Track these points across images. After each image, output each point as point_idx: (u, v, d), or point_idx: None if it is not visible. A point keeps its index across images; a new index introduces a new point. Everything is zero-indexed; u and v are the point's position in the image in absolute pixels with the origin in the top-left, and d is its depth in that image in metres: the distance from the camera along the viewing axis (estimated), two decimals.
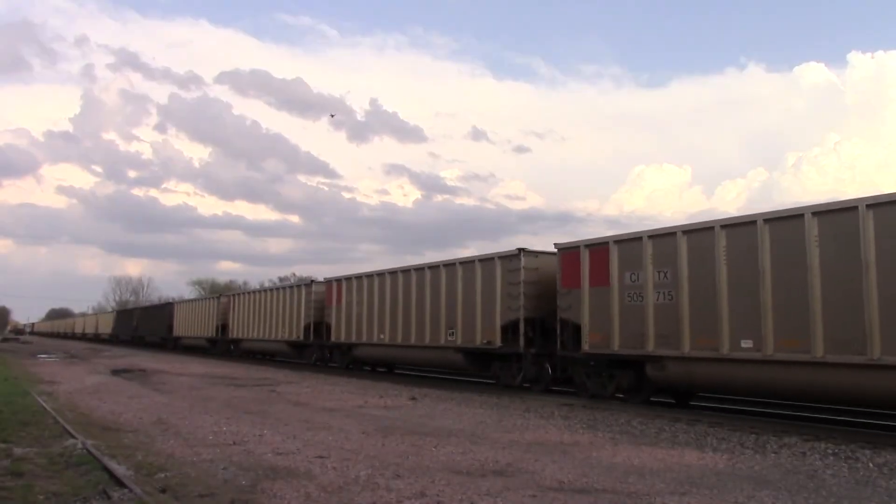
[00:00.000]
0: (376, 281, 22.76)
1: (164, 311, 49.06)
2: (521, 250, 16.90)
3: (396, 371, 24.75)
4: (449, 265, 19.45)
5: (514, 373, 17.14)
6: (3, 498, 6.10)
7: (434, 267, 20.04)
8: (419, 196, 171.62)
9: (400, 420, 11.71)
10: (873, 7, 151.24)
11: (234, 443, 9.12)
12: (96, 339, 73.96)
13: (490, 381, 18.71)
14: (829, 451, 8.87)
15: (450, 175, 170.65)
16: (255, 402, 14.37)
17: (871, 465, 8.10)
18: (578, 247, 15.22)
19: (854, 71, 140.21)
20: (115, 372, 23.58)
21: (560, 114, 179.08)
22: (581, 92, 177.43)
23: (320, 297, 26.65)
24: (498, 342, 17.15)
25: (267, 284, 74.39)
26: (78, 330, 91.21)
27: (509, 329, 16.84)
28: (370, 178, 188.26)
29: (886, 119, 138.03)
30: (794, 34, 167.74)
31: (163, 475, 7.05)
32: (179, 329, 44.11)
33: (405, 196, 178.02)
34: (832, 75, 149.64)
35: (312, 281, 28.13)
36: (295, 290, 28.86)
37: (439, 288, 19.54)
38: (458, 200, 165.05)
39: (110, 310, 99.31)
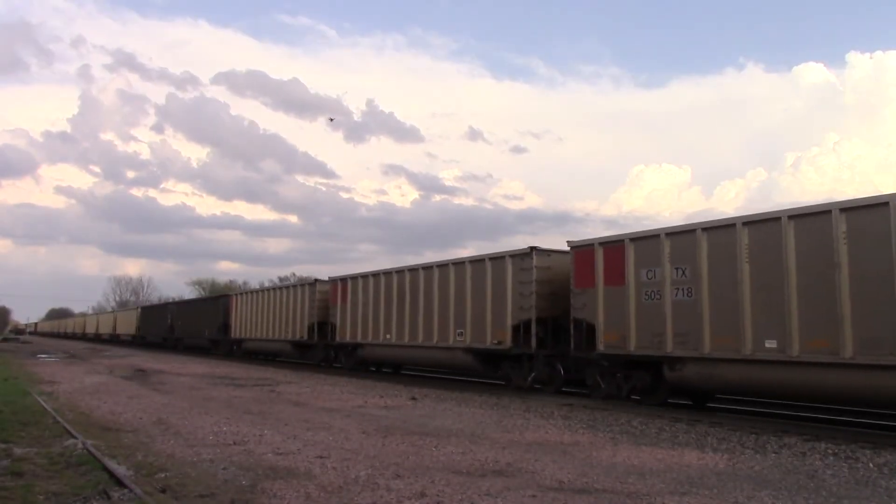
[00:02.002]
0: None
1: (216, 305, 39.05)
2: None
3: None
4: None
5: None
6: (3, 498, 6.10)
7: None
8: (417, 196, 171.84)
9: (400, 420, 11.71)
10: (872, 7, 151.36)
11: (234, 443, 9.12)
12: (114, 341, 64.59)
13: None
14: (829, 451, 8.87)
15: (448, 175, 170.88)
16: (256, 402, 14.37)
17: (871, 465, 8.10)
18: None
19: (853, 71, 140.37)
20: (115, 372, 23.58)
21: (559, 114, 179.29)
22: (580, 92, 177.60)
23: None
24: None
25: (267, 284, 74.29)
26: (89, 330, 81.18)
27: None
28: (368, 178, 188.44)
29: (885, 119, 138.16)
30: (792, 34, 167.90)
31: (163, 475, 7.05)
32: (242, 329, 34.58)
33: (403, 196, 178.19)
34: (831, 75, 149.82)
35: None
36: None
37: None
38: (457, 200, 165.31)
39: (110, 308, 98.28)
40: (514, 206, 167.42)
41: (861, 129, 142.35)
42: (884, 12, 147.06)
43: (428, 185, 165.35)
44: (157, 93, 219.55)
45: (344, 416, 12.18)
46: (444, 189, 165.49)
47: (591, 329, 14.73)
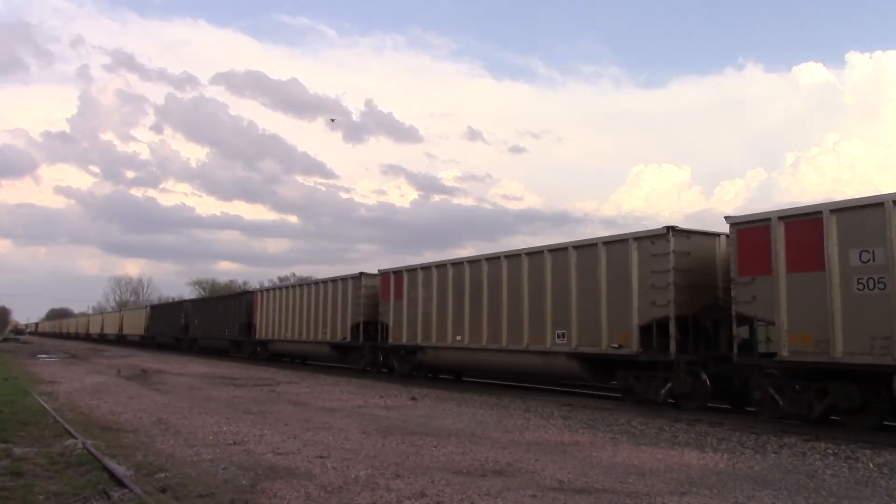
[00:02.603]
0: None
1: (238, 303, 35.47)
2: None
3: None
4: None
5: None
6: (3, 498, 6.10)
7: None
8: (416, 196, 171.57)
9: (400, 420, 11.71)
10: (872, 7, 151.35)
11: (234, 443, 9.13)
12: (120, 342, 61.19)
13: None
14: (829, 451, 8.87)
15: (447, 175, 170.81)
16: (255, 402, 14.37)
17: (871, 465, 8.10)
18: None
19: (852, 71, 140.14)
20: (115, 372, 23.58)
21: (559, 114, 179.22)
22: (580, 92, 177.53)
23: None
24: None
25: (267, 284, 74.05)
26: (94, 330, 76.20)
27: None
28: (367, 178, 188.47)
29: (885, 119, 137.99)
30: (792, 34, 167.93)
31: (163, 475, 7.05)
32: (268, 329, 31.33)
33: (402, 196, 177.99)
34: (831, 75, 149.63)
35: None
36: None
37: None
38: (456, 200, 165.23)
39: (111, 308, 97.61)
40: (514, 206, 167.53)
41: (861, 129, 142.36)
42: (883, 12, 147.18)
43: (427, 185, 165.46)
44: (157, 93, 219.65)
45: (344, 416, 12.18)
46: (443, 189, 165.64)
47: (765, 328, 12.33)
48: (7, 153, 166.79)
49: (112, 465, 7.36)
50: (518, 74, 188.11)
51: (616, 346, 14.12)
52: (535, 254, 16.45)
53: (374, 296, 23.23)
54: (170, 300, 69.38)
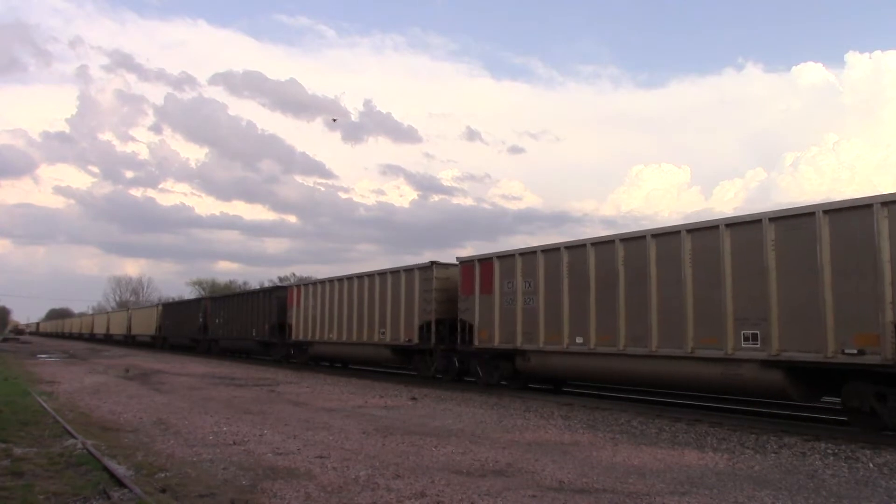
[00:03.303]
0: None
1: (268, 300, 31.14)
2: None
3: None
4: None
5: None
6: (3, 498, 6.10)
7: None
8: (416, 196, 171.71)
9: (400, 420, 11.71)
10: (871, 7, 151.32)
11: (234, 443, 9.13)
12: (128, 342, 57.57)
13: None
14: (829, 451, 8.87)
15: (446, 175, 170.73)
16: (255, 402, 14.37)
17: (871, 465, 8.10)
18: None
19: (852, 71, 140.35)
20: (115, 372, 23.58)
21: (558, 114, 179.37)
22: (579, 92, 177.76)
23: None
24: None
25: (267, 284, 73.63)
26: (98, 330, 71.95)
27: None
28: (366, 178, 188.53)
29: (884, 119, 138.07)
30: (791, 34, 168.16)
31: (163, 475, 7.06)
32: (307, 329, 27.13)
33: (402, 196, 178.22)
34: (830, 75, 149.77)
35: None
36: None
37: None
38: (455, 201, 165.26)
39: (111, 308, 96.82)
40: (513, 206, 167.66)
41: (860, 129, 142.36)
42: (882, 12, 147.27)
43: (426, 185, 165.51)
44: (156, 93, 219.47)
45: (344, 415, 12.18)
46: (442, 189, 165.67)
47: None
48: (6, 153, 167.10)
49: (112, 465, 7.36)
50: (517, 74, 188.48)
51: (853, 351, 10.03)
52: (702, 230, 12.51)
53: (448, 289, 19.63)
54: (170, 300, 68.02)
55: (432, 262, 20.27)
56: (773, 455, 8.72)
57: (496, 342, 17.09)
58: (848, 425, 10.76)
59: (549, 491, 6.56)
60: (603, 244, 14.51)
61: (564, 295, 15.11)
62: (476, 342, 17.83)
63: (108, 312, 79.14)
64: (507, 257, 17.12)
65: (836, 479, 7.28)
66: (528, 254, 16.41)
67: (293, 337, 28.02)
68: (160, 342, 47.99)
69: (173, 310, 47.77)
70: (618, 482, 6.96)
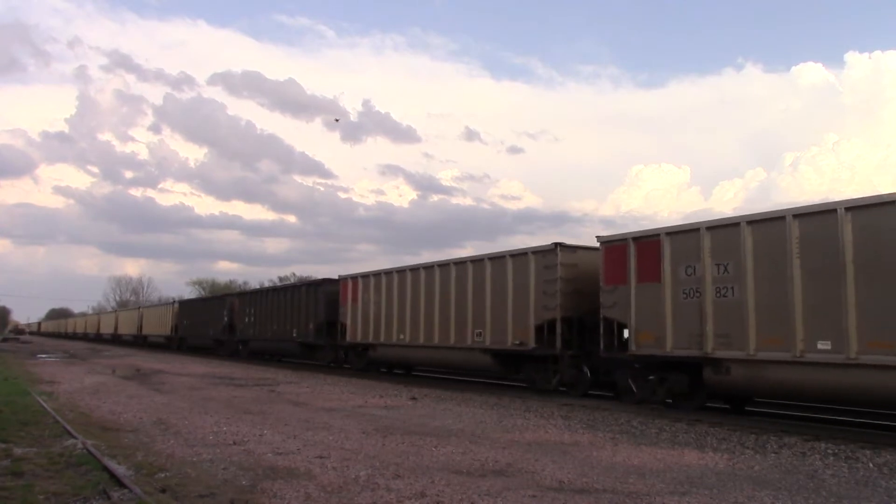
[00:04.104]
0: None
1: (312, 295, 27.47)
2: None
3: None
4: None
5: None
6: (3, 498, 6.10)
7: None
8: (415, 196, 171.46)
9: (400, 420, 11.71)
10: (870, 7, 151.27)
11: (234, 443, 9.13)
12: (139, 343, 54.09)
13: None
14: (829, 451, 8.87)
15: (445, 175, 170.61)
16: (255, 402, 14.38)
17: (871, 465, 8.10)
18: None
19: (851, 71, 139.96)
20: (115, 372, 23.59)
21: (558, 114, 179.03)
22: (579, 92, 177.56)
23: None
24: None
25: (267, 284, 73.10)
26: (105, 330, 68.17)
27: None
28: (366, 178, 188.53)
29: (884, 119, 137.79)
30: (791, 34, 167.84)
31: (163, 475, 7.05)
32: (367, 330, 23.47)
33: (401, 196, 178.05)
34: (830, 75, 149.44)
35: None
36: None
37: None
38: (454, 201, 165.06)
39: (111, 308, 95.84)
40: (512, 206, 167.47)
41: (860, 129, 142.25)
42: (882, 12, 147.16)
43: (426, 185, 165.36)
44: (155, 93, 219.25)
45: (344, 415, 12.19)
46: (441, 189, 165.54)
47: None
48: (6, 153, 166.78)
49: (112, 465, 7.36)
50: (517, 74, 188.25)
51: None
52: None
53: (576, 278, 15.87)
54: (173, 299, 67.13)
55: (556, 244, 16.17)
56: (773, 455, 8.72)
57: (668, 347, 13.13)
58: (848, 425, 10.79)
59: (549, 491, 6.56)
60: (867, 207, 10.37)
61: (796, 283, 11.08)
62: (633, 347, 13.83)
63: (116, 311, 75.08)
64: (685, 232, 13.13)
65: (836, 479, 7.29)
66: (724, 227, 12.45)
67: (348, 338, 24.38)
68: (176, 343, 43.95)
69: (193, 308, 43.32)
70: (618, 482, 6.96)
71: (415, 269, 21.09)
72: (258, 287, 57.48)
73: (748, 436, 10.17)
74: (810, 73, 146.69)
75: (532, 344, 16.16)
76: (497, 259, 17.75)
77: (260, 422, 11.24)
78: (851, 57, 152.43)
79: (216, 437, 9.58)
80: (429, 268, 20.40)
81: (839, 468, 7.90)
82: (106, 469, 7.15)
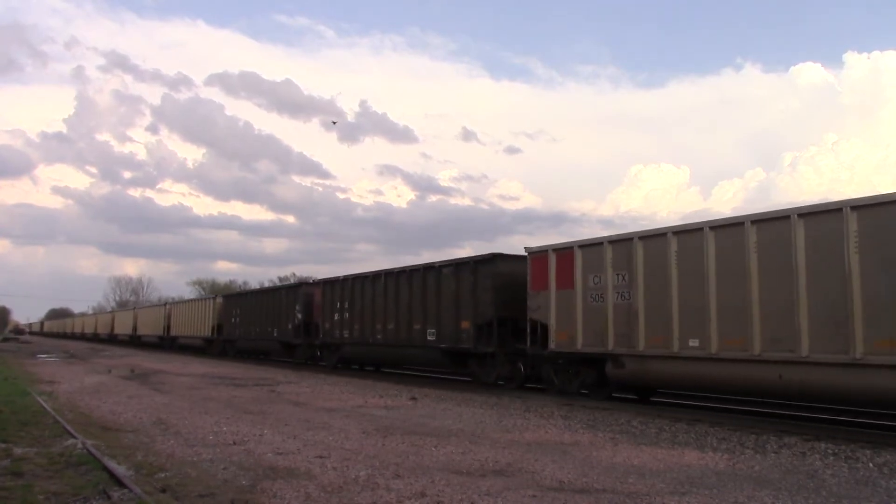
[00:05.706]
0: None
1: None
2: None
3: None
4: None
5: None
6: (3, 498, 6.10)
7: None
8: (413, 196, 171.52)
9: (400, 420, 11.71)
10: (869, 7, 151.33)
11: (234, 443, 9.13)
12: (134, 342, 51.65)
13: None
14: (829, 451, 8.87)
15: (444, 176, 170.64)
16: (255, 401, 14.37)
17: (871, 465, 8.10)
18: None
19: (850, 71, 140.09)
20: (115, 372, 23.58)
21: (557, 114, 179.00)
22: (578, 92, 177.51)
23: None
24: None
25: (267, 284, 73.04)
26: (120, 331, 60.88)
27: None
28: (364, 178, 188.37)
29: (883, 119, 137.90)
30: (790, 34, 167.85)
31: (163, 475, 7.05)
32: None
33: (399, 196, 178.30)
34: (829, 75, 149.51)
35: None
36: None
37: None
38: (453, 201, 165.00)
39: (108, 307, 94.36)
40: (511, 206, 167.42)
41: (859, 129, 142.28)
42: (881, 12, 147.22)
43: (424, 185, 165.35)
44: (153, 93, 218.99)
45: (344, 415, 12.18)
46: (439, 189, 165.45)
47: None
48: (5, 153, 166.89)
49: (112, 465, 7.36)
50: (516, 74, 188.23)
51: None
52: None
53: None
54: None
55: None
56: (773, 455, 8.72)
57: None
58: (848, 425, 10.79)
59: (549, 491, 6.56)
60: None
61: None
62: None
63: (112, 312, 74.72)
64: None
65: (836, 479, 7.29)
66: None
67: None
68: (220, 346, 39.75)
69: (246, 303, 37.61)
70: (618, 482, 6.96)
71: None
72: (245, 290, 57.58)
73: (748, 436, 10.17)
74: (809, 73, 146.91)
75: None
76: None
77: (260, 422, 11.24)
78: (850, 57, 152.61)
79: (216, 437, 9.57)
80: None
81: (839, 468, 7.90)
82: (106, 469, 7.15)
